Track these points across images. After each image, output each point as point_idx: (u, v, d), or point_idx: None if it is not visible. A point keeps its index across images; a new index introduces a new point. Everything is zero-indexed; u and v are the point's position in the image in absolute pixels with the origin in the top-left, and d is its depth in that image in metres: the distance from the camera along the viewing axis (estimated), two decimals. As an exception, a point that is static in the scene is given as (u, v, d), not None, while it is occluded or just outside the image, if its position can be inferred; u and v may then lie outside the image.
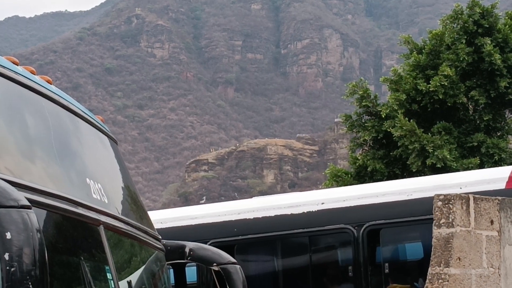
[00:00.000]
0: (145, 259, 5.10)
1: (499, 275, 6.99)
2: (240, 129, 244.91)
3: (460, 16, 22.16)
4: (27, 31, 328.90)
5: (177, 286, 6.03)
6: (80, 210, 3.95)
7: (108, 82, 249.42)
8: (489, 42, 21.23)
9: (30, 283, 3.02)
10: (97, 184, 4.37)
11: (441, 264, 6.76)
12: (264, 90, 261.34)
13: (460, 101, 21.09)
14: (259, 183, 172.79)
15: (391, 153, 21.37)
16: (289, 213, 10.38)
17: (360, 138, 22.20)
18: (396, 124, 20.60)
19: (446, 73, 20.72)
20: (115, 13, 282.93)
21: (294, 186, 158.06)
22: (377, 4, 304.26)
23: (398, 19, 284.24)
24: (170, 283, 5.50)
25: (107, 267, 4.20)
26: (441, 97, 20.73)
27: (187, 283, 6.08)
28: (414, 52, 22.33)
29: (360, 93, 22.24)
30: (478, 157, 20.35)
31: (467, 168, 19.14)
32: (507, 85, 21.04)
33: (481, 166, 19.99)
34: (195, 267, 10.18)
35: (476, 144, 20.83)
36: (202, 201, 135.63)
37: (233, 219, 10.62)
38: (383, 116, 21.22)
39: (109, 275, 4.21)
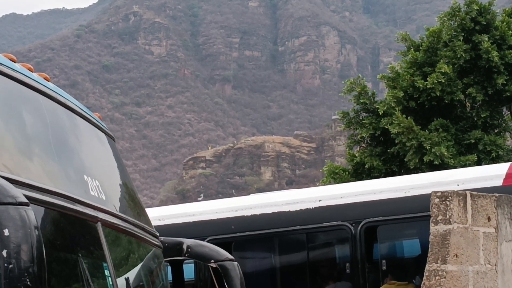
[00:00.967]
0: (143, 256, 5.10)
1: (496, 271, 7.01)
2: (238, 126, 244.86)
3: (457, 13, 22.16)
4: (25, 28, 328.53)
5: (174, 283, 6.03)
6: (78, 207, 3.95)
7: (105, 79, 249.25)
8: (486, 39, 21.23)
9: (28, 280, 3.02)
10: (95, 181, 4.37)
11: (438, 261, 6.77)
12: (262, 87, 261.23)
13: (458, 98, 21.10)
14: (257, 180, 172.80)
15: (388, 150, 21.38)
16: (286, 210, 10.38)
17: (358, 135, 22.21)
18: (393, 121, 20.60)
19: (443, 70, 20.73)
20: (113, 10, 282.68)
21: (291, 183, 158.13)
22: (375, 1, 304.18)
23: (396, 16, 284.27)
24: (167, 280, 5.51)
25: (105, 264, 4.20)
26: (438, 94, 20.74)
27: (185, 280, 6.08)
28: (412, 49, 22.34)
29: (357, 90, 22.24)
30: (475, 154, 20.36)
31: (465, 165, 19.15)
32: (504, 82, 21.06)
33: (478, 163, 20.00)
34: (193, 264, 10.18)
35: (473, 141, 20.85)
36: (200, 198, 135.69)
37: (231, 216, 10.63)
38: (381, 113, 21.22)
39: (107, 272, 4.21)
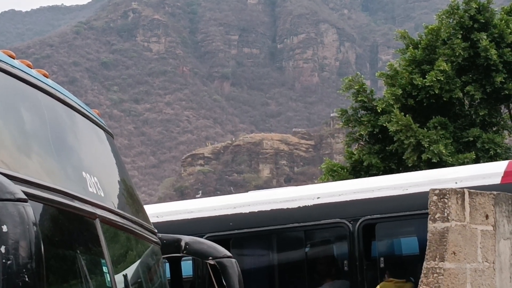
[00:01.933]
0: (141, 252, 5.10)
1: (494, 269, 7.01)
2: (236, 124, 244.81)
3: (456, 11, 22.18)
4: (24, 25, 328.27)
5: (173, 280, 6.03)
6: (76, 204, 3.95)
7: (104, 76, 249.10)
8: (485, 37, 21.24)
9: (26, 276, 3.02)
10: (93, 178, 4.37)
11: (436, 259, 6.77)
12: (260, 84, 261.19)
13: (456, 96, 21.11)
14: (255, 178, 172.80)
15: (386, 148, 21.39)
16: (284, 207, 10.38)
17: (356, 132, 22.22)
18: (392, 119, 20.61)
19: (442, 68, 20.74)
20: (112, 7, 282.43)
21: (290, 180, 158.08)
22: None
23: (394, 14, 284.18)
24: (166, 277, 5.51)
25: (103, 261, 4.20)
26: (437, 92, 20.75)
27: (183, 277, 6.08)
28: (410, 47, 22.34)
29: (356, 87, 22.25)
30: (473, 152, 20.37)
31: (463, 163, 19.16)
32: (503, 80, 21.07)
33: (476, 161, 20.02)
34: (191, 261, 10.18)
35: (471, 139, 20.86)
36: (198, 195, 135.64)
37: (229, 213, 10.62)
38: (379, 111, 21.24)
39: (105, 269, 4.21)
